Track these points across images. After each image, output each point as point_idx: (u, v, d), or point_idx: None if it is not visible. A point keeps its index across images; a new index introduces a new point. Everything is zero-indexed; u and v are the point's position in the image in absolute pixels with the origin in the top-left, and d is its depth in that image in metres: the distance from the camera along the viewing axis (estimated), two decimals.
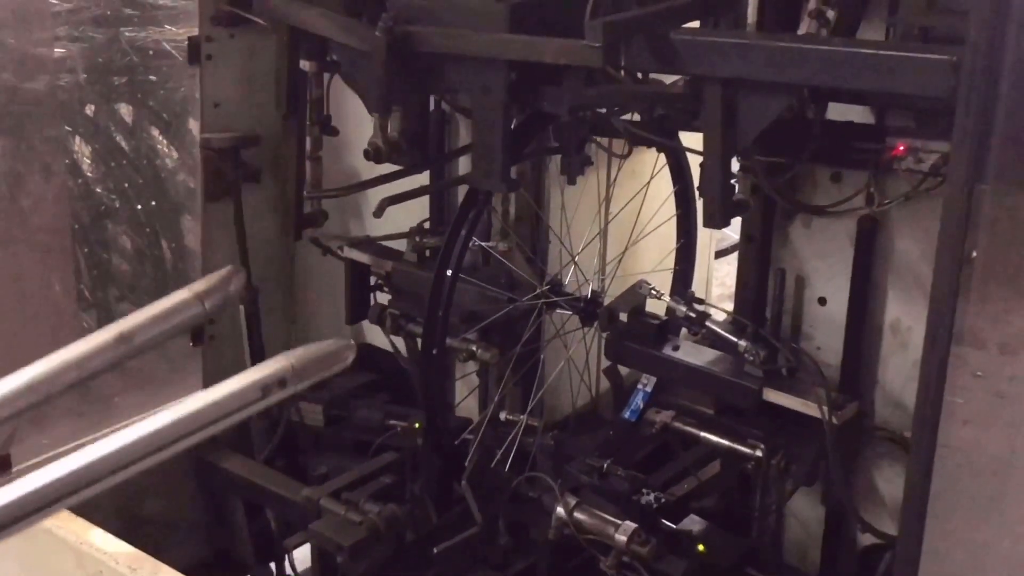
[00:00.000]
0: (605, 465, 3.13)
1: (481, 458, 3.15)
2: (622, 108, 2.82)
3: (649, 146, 3.32)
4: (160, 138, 5.88)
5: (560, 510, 2.92)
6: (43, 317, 4.22)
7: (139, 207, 5.52)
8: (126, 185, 5.49)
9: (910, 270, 3.02)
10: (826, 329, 3.18)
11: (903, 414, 3.10)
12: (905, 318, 3.06)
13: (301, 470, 3.88)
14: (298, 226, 3.48)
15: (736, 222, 3.04)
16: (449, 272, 2.95)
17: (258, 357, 3.94)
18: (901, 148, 2.69)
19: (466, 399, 3.78)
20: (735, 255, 5.75)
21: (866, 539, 3.29)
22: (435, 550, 2.97)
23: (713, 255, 4.54)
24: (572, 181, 2.99)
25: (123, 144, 5.63)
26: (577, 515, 2.91)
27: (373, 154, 2.82)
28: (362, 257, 3.68)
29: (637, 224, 3.52)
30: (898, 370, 3.11)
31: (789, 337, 3.21)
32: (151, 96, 5.72)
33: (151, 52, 5.52)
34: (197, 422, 2.65)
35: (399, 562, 3.20)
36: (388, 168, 3.28)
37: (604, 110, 2.86)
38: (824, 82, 2.42)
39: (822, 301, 3.19)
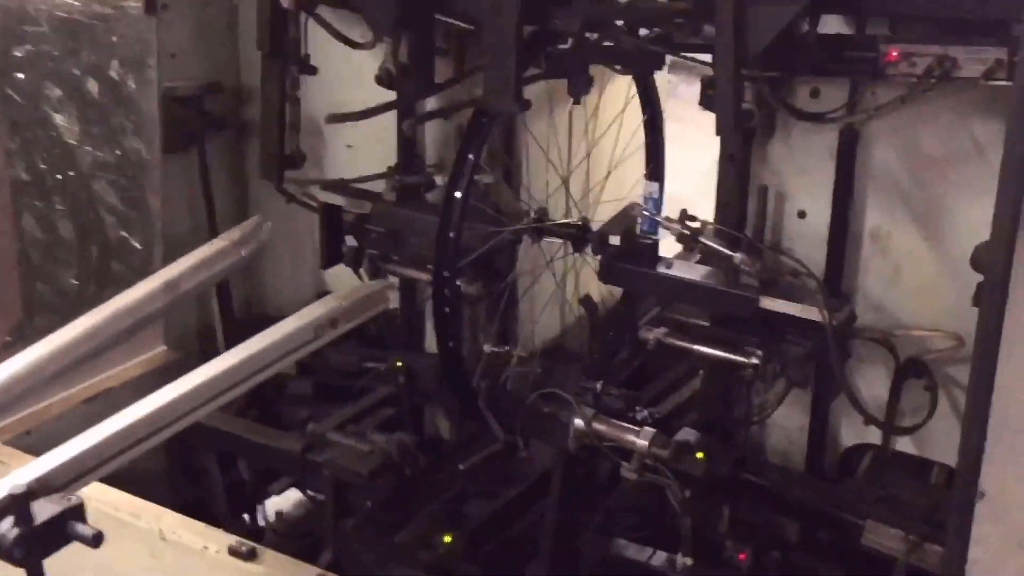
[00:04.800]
0: (598, 386, 3.24)
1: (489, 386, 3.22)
2: (631, 25, 2.91)
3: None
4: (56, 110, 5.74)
5: (579, 421, 3.00)
6: None
7: (58, 177, 5.39)
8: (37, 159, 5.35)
9: (889, 178, 3.18)
10: (806, 241, 3.32)
11: (885, 317, 3.28)
12: (885, 224, 3.23)
13: (274, 420, 3.89)
14: (280, 168, 3.47)
15: None
16: (459, 195, 3.00)
17: (228, 309, 3.93)
18: (894, 54, 2.84)
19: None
20: None
21: (848, 440, 3.47)
22: (461, 467, 3.02)
23: None
24: (578, 101, 3.07)
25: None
26: (596, 425, 3.00)
27: (385, 79, 2.86)
28: (337, 199, 3.68)
29: (607, 153, 3.64)
30: (879, 275, 3.27)
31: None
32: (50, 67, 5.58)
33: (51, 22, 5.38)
34: (256, 364, 2.67)
35: (407, 490, 3.25)
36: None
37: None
38: None
39: (801, 214, 3.33)
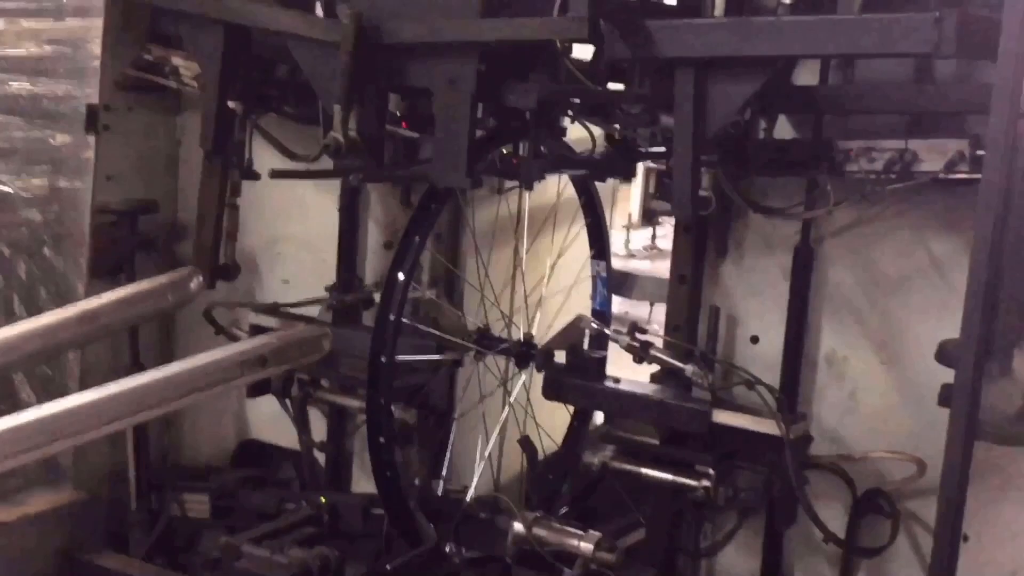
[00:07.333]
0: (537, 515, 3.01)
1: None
2: (586, 108, 2.87)
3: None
4: None
5: (518, 526, 2.78)
6: None
7: None
8: None
9: (844, 300, 3.10)
10: (759, 367, 3.17)
11: (840, 447, 3.11)
12: (840, 348, 3.12)
13: (182, 568, 3.58)
14: (213, 274, 3.30)
15: None
16: (402, 276, 2.84)
17: (143, 455, 3.67)
18: (853, 149, 2.80)
19: None
20: None
21: None
22: (388, 567, 2.76)
23: None
24: (530, 187, 2.96)
25: None
26: (537, 530, 2.77)
27: (333, 149, 2.74)
28: (270, 322, 3.50)
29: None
30: (835, 402, 3.13)
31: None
32: None
33: None
34: (176, 387, 2.45)
35: None
36: None
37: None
38: (801, 50, 2.53)
39: (754, 340, 3.22)
